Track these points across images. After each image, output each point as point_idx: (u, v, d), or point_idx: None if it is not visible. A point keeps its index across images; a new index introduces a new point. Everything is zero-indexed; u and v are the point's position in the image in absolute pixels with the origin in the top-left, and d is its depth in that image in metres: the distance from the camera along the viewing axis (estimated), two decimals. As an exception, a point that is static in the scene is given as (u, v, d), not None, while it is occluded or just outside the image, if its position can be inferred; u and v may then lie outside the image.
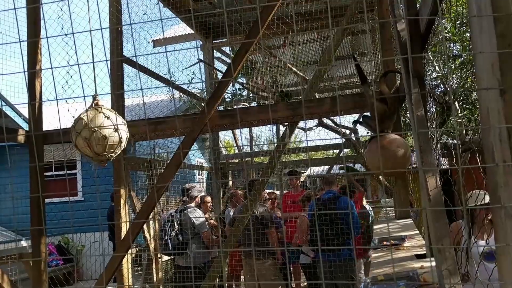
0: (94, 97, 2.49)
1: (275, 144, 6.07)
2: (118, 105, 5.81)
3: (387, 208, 7.60)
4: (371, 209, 6.82)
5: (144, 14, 5.90)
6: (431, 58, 7.62)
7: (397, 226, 4.19)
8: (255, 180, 5.77)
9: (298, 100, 6.51)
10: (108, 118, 2.41)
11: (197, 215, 5.49)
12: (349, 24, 5.44)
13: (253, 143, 12.90)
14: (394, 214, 5.25)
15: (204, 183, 14.22)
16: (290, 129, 5.45)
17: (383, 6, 4.61)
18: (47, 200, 9.92)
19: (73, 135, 2.44)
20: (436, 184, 2.06)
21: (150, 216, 6.62)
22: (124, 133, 2.55)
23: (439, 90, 9.63)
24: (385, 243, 3.27)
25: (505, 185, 0.82)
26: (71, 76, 5.73)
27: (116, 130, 2.42)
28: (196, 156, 14.96)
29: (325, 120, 8.11)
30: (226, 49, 9.73)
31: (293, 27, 6.94)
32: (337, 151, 11.44)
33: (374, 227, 4.75)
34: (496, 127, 0.83)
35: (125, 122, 2.61)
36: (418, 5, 2.91)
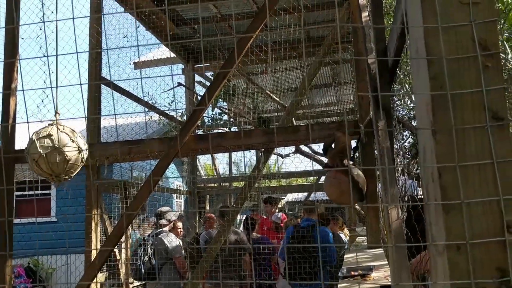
0: (57, 114, 2.48)
1: (251, 170, 6.07)
2: (94, 126, 5.78)
3: (362, 237, 7.60)
4: (346, 239, 6.83)
5: (125, 37, 5.93)
6: (409, 91, 7.79)
7: (368, 256, 4.19)
8: (227, 207, 5.75)
9: (273, 127, 6.57)
10: (73, 141, 2.41)
11: (170, 240, 5.40)
12: (326, 54, 5.56)
13: (234, 168, 12.88)
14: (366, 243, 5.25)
15: (182, 207, 14.09)
16: (266, 155, 5.48)
17: (358, 38, 4.73)
18: (16, 220, 9.66)
19: (31, 149, 2.39)
20: (398, 216, 2.09)
21: (122, 240, 6.51)
22: (85, 154, 2.53)
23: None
24: (353, 273, 3.27)
25: (435, 224, 0.84)
26: (47, 96, 5.68)
27: (80, 151, 2.42)
28: (174, 178, 14.84)
29: (302, 147, 8.16)
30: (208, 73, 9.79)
31: (275, 54, 7.06)
32: (311, 178, 11.49)
33: (346, 255, 4.76)
34: (429, 166, 0.85)
35: (86, 144, 2.59)
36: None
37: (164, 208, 5.66)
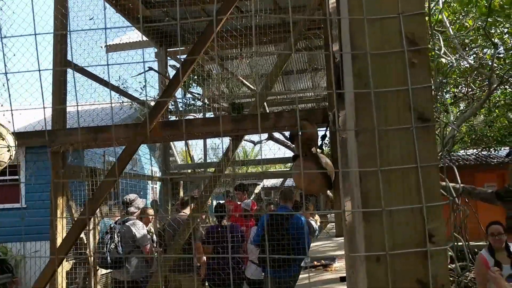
0: None
1: (222, 157, 5.99)
2: (59, 111, 5.60)
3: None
4: (317, 225, 6.85)
5: (91, 19, 5.72)
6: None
7: (334, 245, 4.19)
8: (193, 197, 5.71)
9: (242, 114, 6.51)
10: (2, 138, 2.34)
11: (138, 228, 5.31)
12: (298, 39, 5.48)
13: (212, 153, 12.80)
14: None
15: (158, 192, 13.95)
16: (235, 142, 5.41)
17: (327, 25, 4.65)
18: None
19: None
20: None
21: (91, 227, 6.40)
22: (13, 151, 2.46)
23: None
24: (315, 263, 3.25)
25: (358, 232, 0.78)
26: (9, 79, 5.45)
27: (9, 149, 2.34)
28: (149, 165, 14.65)
29: (276, 134, 8.12)
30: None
31: (247, 40, 6.96)
32: (289, 164, 11.47)
33: (312, 244, 4.76)
34: (353, 171, 0.79)
35: (15, 138, 2.51)
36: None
37: (132, 196, 5.55)
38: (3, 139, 2.36)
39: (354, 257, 1.94)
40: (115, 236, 5.33)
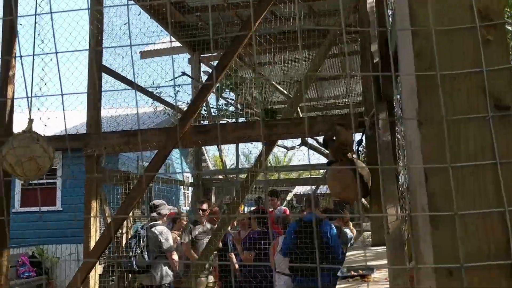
0: (31, 121, 2.59)
1: (254, 163, 5.91)
2: (94, 116, 5.66)
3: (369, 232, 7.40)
4: (353, 234, 6.64)
5: (125, 24, 5.77)
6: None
7: (371, 254, 4.01)
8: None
9: (275, 119, 6.41)
10: (45, 151, 2.53)
11: (164, 234, 5.27)
12: (331, 44, 5.35)
13: (244, 159, 12.79)
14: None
15: (190, 198, 14.02)
16: (268, 148, 5.30)
17: (364, 26, 4.51)
18: (23, 209, 9.68)
19: (8, 155, 2.50)
20: (397, 215, 1.91)
21: (124, 231, 6.42)
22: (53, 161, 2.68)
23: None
24: (352, 273, 3.10)
25: (423, 240, 0.66)
26: (45, 84, 5.56)
27: (50, 159, 2.53)
28: (182, 169, 14.74)
29: (309, 140, 7.98)
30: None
31: (281, 44, 6.88)
32: (323, 171, 11.28)
33: (348, 253, 4.58)
34: (415, 167, 0.68)
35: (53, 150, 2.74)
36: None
37: (158, 201, 5.54)
38: (45, 151, 2.55)
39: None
40: (141, 241, 5.31)
